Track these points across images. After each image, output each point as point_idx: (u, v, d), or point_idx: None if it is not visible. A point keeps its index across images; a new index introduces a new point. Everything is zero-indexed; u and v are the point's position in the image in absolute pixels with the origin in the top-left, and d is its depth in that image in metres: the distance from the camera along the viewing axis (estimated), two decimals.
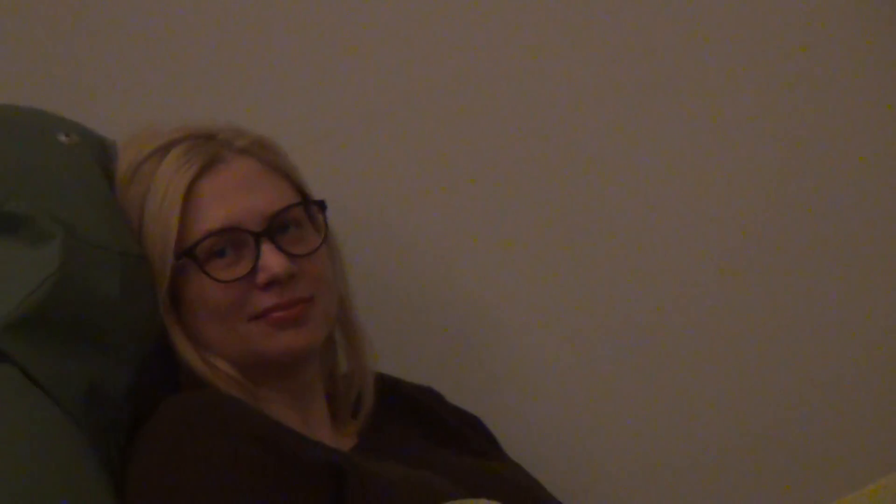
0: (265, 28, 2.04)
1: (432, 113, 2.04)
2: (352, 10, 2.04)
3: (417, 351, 1.99)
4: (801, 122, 2.01)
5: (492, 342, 2.04)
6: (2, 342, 1.42)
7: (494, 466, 1.66)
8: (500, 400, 1.99)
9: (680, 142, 2.02)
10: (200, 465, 1.39)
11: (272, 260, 1.52)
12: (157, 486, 1.41)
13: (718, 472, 2.02)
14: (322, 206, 1.63)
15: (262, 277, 1.52)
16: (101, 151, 1.67)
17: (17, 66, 2.04)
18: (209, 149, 1.58)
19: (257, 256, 1.53)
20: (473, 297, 2.03)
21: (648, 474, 2.01)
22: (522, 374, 2.04)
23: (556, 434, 2.01)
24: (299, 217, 1.59)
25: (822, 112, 2.02)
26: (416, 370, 1.88)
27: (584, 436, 2.02)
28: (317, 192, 1.67)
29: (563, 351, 2.05)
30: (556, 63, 2.02)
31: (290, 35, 2.05)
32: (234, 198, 1.56)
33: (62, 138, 1.63)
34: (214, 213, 1.55)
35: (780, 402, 2.03)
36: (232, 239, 1.54)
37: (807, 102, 2.02)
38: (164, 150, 1.58)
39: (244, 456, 1.39)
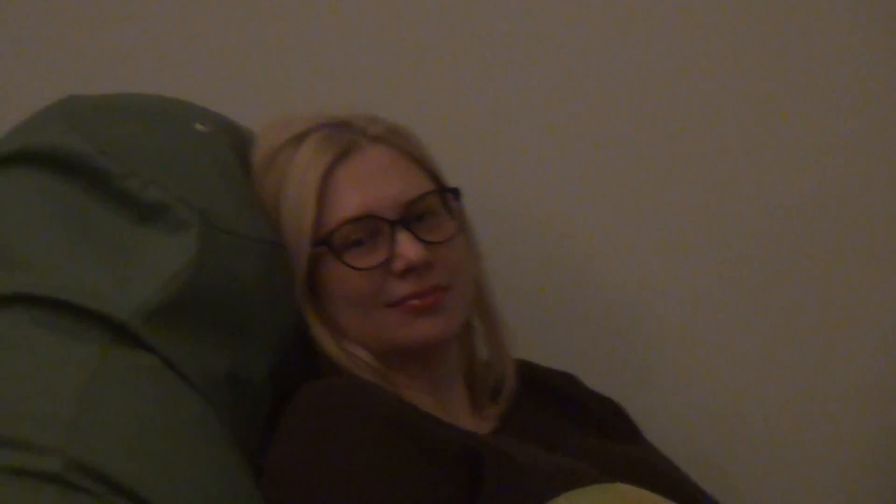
0: (405, 17, 1.99)
1: (570, 99, 1.98)
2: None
3: (556, 336, 1.93)
4: None
5: (631, 328, 1.98)
6: (141, 331, 1.40)
7: (633, 451, 1.59)
8: (639, 385, 1.93)
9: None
10: (339, 451, 1.37)
11: (408, 248, 1.47)
12: (296, 470, 1.39)
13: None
14: (457, 193, 1.57)
15: (398, 265, 1.47)
16: (236, 140, 1.64)
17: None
18: (344, 137, 1.54)
19: (393, 244, 1.47)
20: (611, 282, 1.97)
21: (791, 467, 1.95)
22: (661, 360, 1.97)
23: (694, 421, 1.95)
24: (434, 205, 1.53)
25: None
26: (555, 356, 1.82)
27: (728, 424, 1.95)
28: (451, 180, 1.60)
29: (705, 336, 1.98)
30: (693, 61, 1.97)
31: (432, 24, 1.99)
32: (369, 186, 1.51)
33: (199, 127, 1.61)
34: (350, 200, 1.51)
35: None
36: (368, 227, 1.50)
37: None
38: (300, 138, 1.54)
39: (382, 441, 1.37)
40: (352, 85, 1.93)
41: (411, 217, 1.49)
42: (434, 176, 1.56)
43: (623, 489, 1.36)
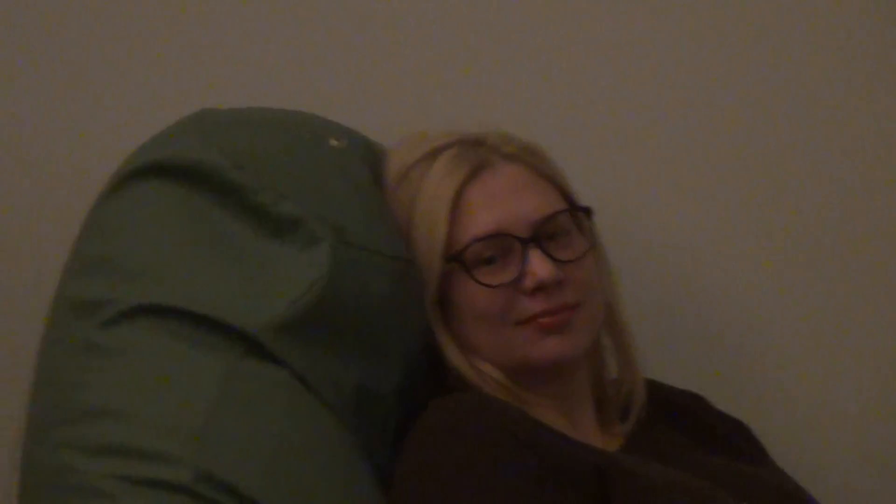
0: (532, 31, 1.99)
1: (694, 117, 1.99)
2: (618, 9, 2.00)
3: (683, 357, 1.93)
4: None
5: (758, 349, 1.97)
6: (272, 344, 1.43)
7: (759, 472, 1.59)
8: (763, 405, 1.93)
9: None
10: (467, 467, 1.38)
11: (539, 266, 1.48)
12: (424, 485, 1.40)
13: None
14: (588, 212, 1.57)
15: (528, 283, 1.48)
16: (369, 155, 1.66)
17: None
18: (477, 155, 1.55)
19: (524, 262, 1.48)
20: (737, 302, 1.96)
21: None
22: (787, 380, 1.97)
23: (818, 441, 1.94)
24: (566, 223, 1.54)
25: None
26: (682, 376, 1.83)
27: (851, 444, 1.94)
28: (583, 199, 1.60)
29: (830, 354, 1.97)
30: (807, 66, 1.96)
31: (557, 39, 2.00)
32: (501, 204, 1.52)
33: (333, 142, 1.63)
34: (482, 218, 1.52)
35: None
36: (499, 244, 1.51)
37: None
38: (433, 155, 1.56)
39: (509, 459, 1.37)
40: (477, 102, 1.94)
41: (543, 235, 1.49)
42: (566, 195, 1.57)
43: None
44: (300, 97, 1.74)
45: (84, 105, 1.88)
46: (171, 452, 1.35)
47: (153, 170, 1.53)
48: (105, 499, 1.34)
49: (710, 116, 2.00)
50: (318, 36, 1.96)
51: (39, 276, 1.70)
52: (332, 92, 1.87)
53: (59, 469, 1.41)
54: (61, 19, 1.90)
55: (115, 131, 1.71)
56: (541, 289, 1.48)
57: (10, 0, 1.93)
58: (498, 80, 1.96)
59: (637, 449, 1.58)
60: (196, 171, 1.50)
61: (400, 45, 1.95)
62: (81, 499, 1.37)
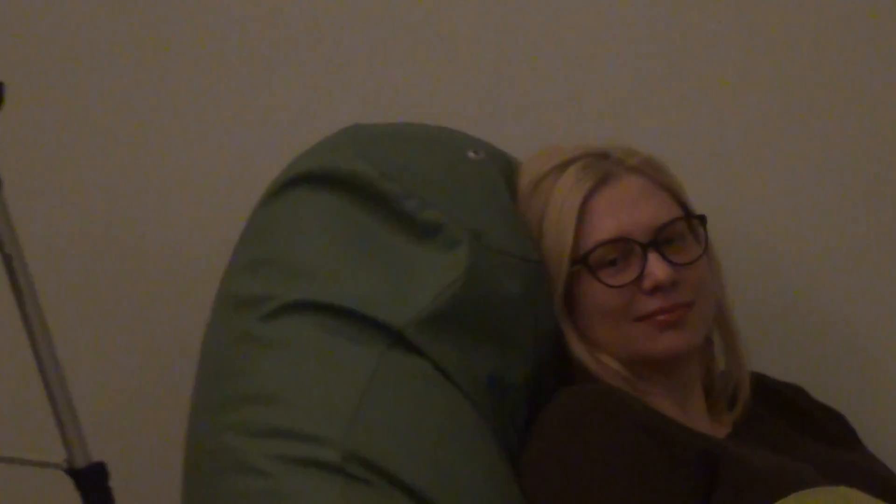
0: (658, 47, 2.08)
1: (805, 121, 2.04)
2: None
3: (785, 351, 2.00)
4: None
5: (856, 343, 2.03)
6: (416, 338, 1.56)
7: (856, 458, 1.68)
8: (858, 396, 1.98)
9: None
10: (590, 451, 1.51)
11: (657, 268, 1.59)
12: (551, 467, 1.54)
13: None
14: (703, 220, 1.68)
15: (647, 283, 1.59)
16: (504, 166, 1.78)
17: None
18: (603, 167, 1.66)
19: (644, 264, 1.60)
20: (836, 302, 2.03)
21: None
22: (881, 371, 2.02)
23: None
24: (682, 230, 1.65)
25: None
26: (785, 368, 1.91)
27: None
28: (697, 207, 1.71)
29: None
30: None
31: (677, 49, 2.08)
32: (624, 211, 1.63)
33: (471, 155, 1.75)
34: (606, 224, 1.63)
35: None
36: (621, 248, 1.62)
37: None
38: (563, 167, 1.68)
39: (629, 443, 1.51)
40: (600, 117, 2.03)
41: (661, 240, 1.61)
42: (682, 204, 1.68)
43: (846, 492, 1.47)
44: (442, 113, 1.87)
45: (251, 121, 2.04)
46: (323, 435, 1.49)
47: (309, 179, 1.67)
48: (262, 476, 1.49)
49: (820, 119, 2.05)
50: (460, 57, 2.08)
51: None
52: (470, 109, 1.99)
53: (222, 449, 1.56)
54: (228, 47, 2.07)
55: (276, 142, 1.85)
56: (658, 289, 1.59)
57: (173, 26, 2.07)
58: (622, 93, 2.05)
59: (742, 436, 1.69)
60: (348, 181, 1.64)
61: (530, 68, 2.04)
62: (241, 476, 1.52)
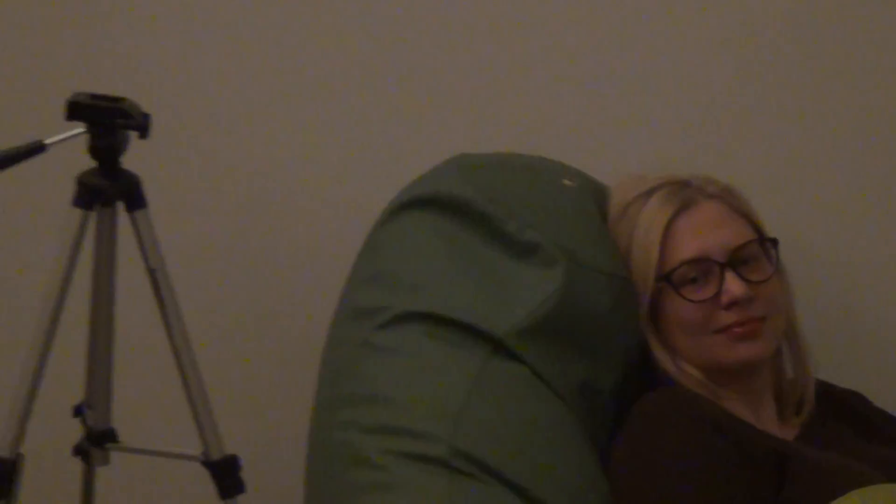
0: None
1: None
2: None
3: (847, 360, 2.10)
4: None
5: None
6: (515, 346, 1.69)
7: None
8: None
9: None
10: (671, 449, 1.64)
11: (734, 285, 1.71)
12: (636, 463, 1.66)
13: None
14: (774, 242, 1.79)
15: (725, 299, 1.71)
16: (595, 193, 1.91)
17: None
18: (685, 194, 1.79)
19: (721, 282, 1.71)
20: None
21: None
22: None
23: None
24: (755, 251, 1.77)
25: None
26: (847, 376, 2.00)
27: None
28: (770, 228, 1.83)
29: None
30: None
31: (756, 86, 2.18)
32: (704, 234, 1.75)
33: (566, 182, 1.88)
34: (688, 245, 1.75)
35: None
36: (701, 267, 1.73)
37: None
38: (649, 194, 1.80)
39: (707, 443, 1.63)
40: (682, 147, 2.16)
41: (737, 260, 1.72)
42: (756, 228, 1.79)
43: None
44: (540, 144, 1.99)
45: (370, 147, 2.20)
46: (431, 432, 1.62)
47: (419, 203, 1.80)
48: (376, 469, 1.62)
49: (880, 133, 2.14)
50: (557, 94, 2.20)
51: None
52: (564, 141, 2.11)
53: (341, 444, 1.69)
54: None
55: (392, 172, 1.96)
56: (734, 304, 1.70)
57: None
58: (694, 118, 2.17)
59: (809, 438, 1.79)
60: (454, 204, 1.77)
61: (612, 99, 2.18)
62: (357, 469, 1.65)
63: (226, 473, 1.85)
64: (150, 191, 1.78)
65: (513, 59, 2.26)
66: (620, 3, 2.24)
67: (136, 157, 1.79)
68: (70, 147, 1.75)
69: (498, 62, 2.27)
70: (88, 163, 1.76)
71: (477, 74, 2.26)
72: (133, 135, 1.77)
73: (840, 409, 1.90)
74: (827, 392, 1.90)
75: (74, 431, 1.95)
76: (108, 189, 1.76)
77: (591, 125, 2.22)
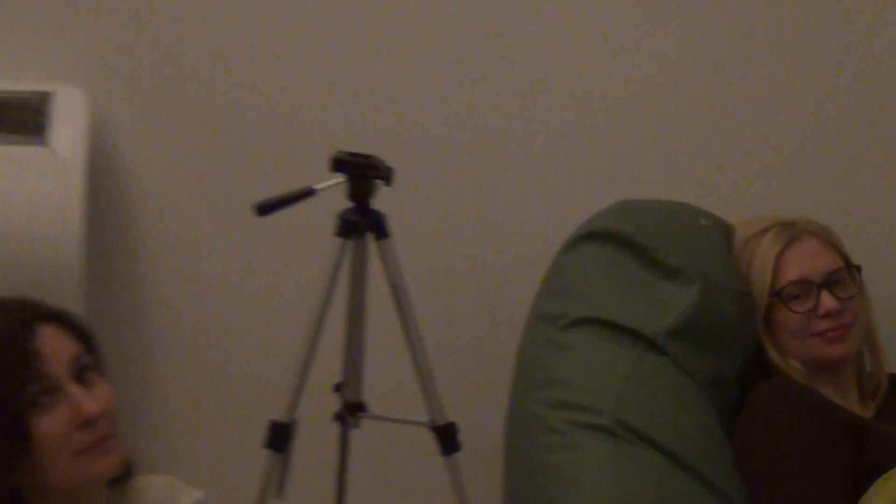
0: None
1: None
2: None
3: None
4: None
5: None
6: (662, 343, 2.08)
7: None
8: None
9: None
10: (784, 423, 2.02)
11: (828, 301, 2.09)
12: (755, 435, 2.05)
13: None
14: (858, 269, 2.20)
15: (821, 311, 2.10)
16: (725, 231, 2.27)
17: None
18: (791, 231, 2.16)
19: (818, 298, 2.08)
20: None
21: None
22: None
23: None
24: (844, 275, 2.14)
25: None
26: None
27: None
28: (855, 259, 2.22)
29: None
30: None
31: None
32: (805, 262, 2.13)
33: (702, 222, 2.24)
34: (793, 271, 2.13)
35: None
36: (803, 287, 2.12)
37: None
38: (764, 232, 2.18)
39: (809, 418, 2.01)
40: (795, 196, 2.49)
41: (830, 282, 2.10)
42: (844, 257, 2.16)
43: None
44: (679, 193, 2.39)
45: (563, 199, 2.49)
46: (598, 407, 1.99)
47: (592, 236, 2.19)
48: (558, 435, 2.00)
49: None
50: (691, 151, 2.53)
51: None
52: (699, 187, 2.48)
53: (532, 416, 2.07)
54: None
55: (572, 213, 2.32)
56: (828, 315, 2.08)
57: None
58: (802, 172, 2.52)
59: (882, 416, 2.17)
60: (618, 237, 2.16)
61: (744, 157, 2.52)
62: (544, 434, 2.03)
63: (447, 436, 2.09)
64: (393, 224, 2.04)
65: (656, 129, 2.54)
66: (744, 75, 2.53)
67: (382, 198, 2.03)
68: (333, 192, 1.99)
69: (646, 136, 2.55)
70: (346, 203, 2.01)
71: (629, 146, 2.53)
72: (380, 182, 2.00)
73: None
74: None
75: (334, 403, 2.18)
76: (361, 223, 2.02)
77: (717, 175, 2.52)
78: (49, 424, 1.51)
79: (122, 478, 1.66)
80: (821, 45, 2.54)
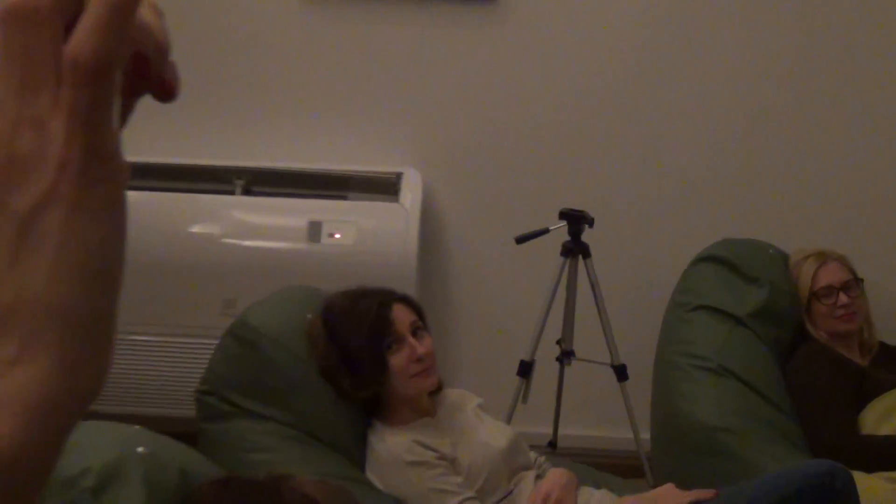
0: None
1: None
2: None
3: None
4: None
5: None
6: (746, 321, 3.30)
7: None
8: None
9: None
10: (820, 365, 3.23)
11: (844, 298, 3.34)
12: (802, 376, 3.24)
13: None
14: (861, 280, 3.40)
15: (839, 304, 3.33)
16: (783, 257, 3.51)
17: None
18: (823, 258, 3.41)
19: (837, 296, 3.33)
20: None
21: None
22: None
23: None
24: (853, 283, 3.38)
25: None
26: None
27: None
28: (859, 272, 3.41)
29: None
30: None
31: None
32: (830, 276, 3.39)
33: (771, 251, 3.51)
34: (823, 280, 3.38)
35: None
36: (829, 290, 3.35)
37: None
38: (805, 258, 3.43)
39: (833, 365, 3.22)
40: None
41: (845, 287, 3.37)
42: (853, 272, 3.41)
43: None
44: (757, 232, 3.59)
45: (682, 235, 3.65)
46: (709, 356, 3.23)
47: (706, 258, 3.50)
48: (684, 371, 3.25)
49: None
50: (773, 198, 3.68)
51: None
52: (767, 224, 3.63)
53: (670, 362, 3.33)
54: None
55: (691, 245, 3.58)
56: (843, 307, 3.34)
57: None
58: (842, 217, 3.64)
59: (874, 365, 3.36)
60: (723, 259, 3.45)
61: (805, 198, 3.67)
62: (677, 372, 3.27)
63: (620, 372, 3.31)
64: (593, 250, 3.23)
65: (751, 177, 3.67)
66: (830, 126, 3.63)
67: (588, 234, 3.21)
68: (558, 231, 3.18)
69: (740, 184, 3.66)
70: (566, 237, 3.21)
71: (731, 199, 3.65)
72: (586, 225, 3.18)
73: (891, 355, 3.47)
74: (884, 346, 3.49)
75: (556, 351, 3.37)
76: (575, 249, 3.25)
77: (782, 219, 3.65)
78: (397, 359, 2.47)
79: (437, 390, 2.62)
80: None
